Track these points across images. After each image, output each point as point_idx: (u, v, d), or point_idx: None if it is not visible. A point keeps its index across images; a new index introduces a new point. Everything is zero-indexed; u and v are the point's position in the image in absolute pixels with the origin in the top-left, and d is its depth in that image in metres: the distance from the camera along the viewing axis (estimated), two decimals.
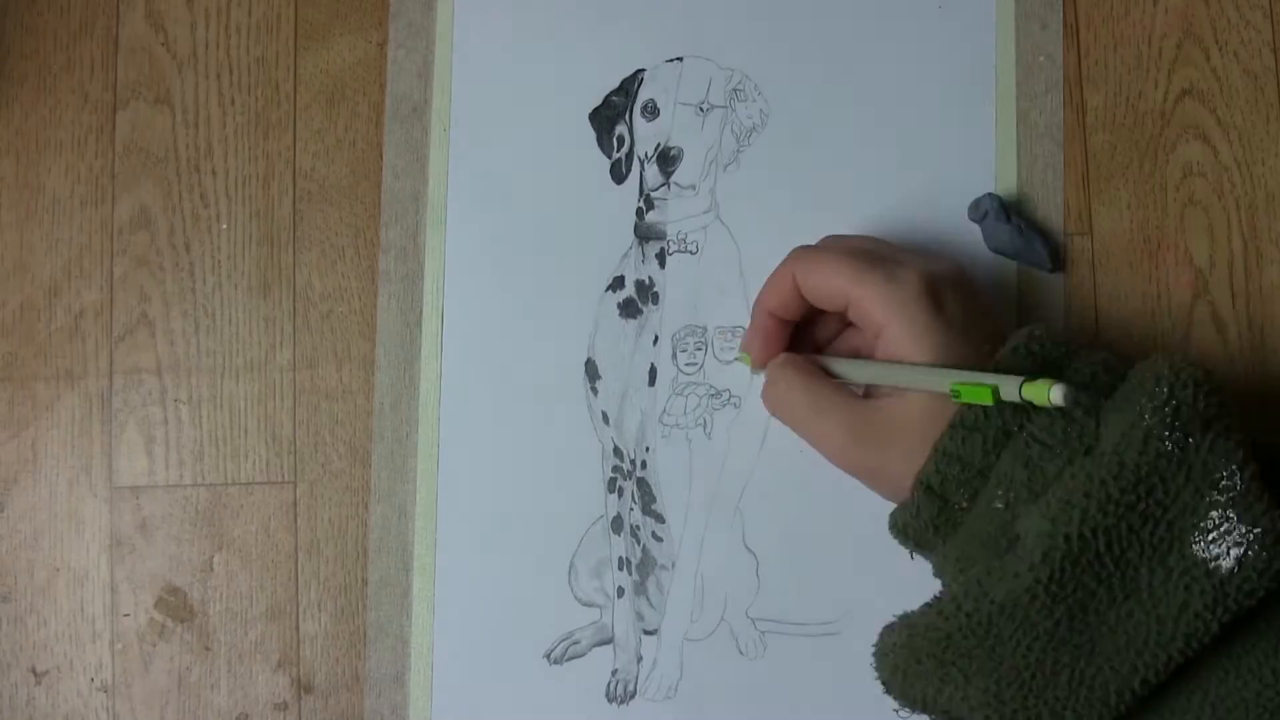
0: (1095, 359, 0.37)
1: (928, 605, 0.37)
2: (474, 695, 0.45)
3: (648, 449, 0.46)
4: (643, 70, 0.48)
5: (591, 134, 0.48)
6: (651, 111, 0.47)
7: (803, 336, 0.44)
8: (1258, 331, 0.45)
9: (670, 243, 0.47)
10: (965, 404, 0.36)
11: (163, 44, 0.49)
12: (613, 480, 0.46)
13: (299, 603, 0.46)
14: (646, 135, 0.47)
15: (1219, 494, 0.33)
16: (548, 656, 0.45)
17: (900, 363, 0.39)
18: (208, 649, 0.46)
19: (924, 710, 0.37)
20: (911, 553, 0.40)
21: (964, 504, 0.37)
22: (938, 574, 0.39)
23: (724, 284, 0.46)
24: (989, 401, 0.36)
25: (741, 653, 0.45)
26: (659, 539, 0.46)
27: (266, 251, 0.48)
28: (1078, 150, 0.47)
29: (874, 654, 0.38)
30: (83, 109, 0.49)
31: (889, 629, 0.38)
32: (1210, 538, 0.33)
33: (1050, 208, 0.46)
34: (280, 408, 0.47)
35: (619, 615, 0.46)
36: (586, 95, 0.48)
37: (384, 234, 0.47)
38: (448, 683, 0.46)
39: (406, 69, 0.48)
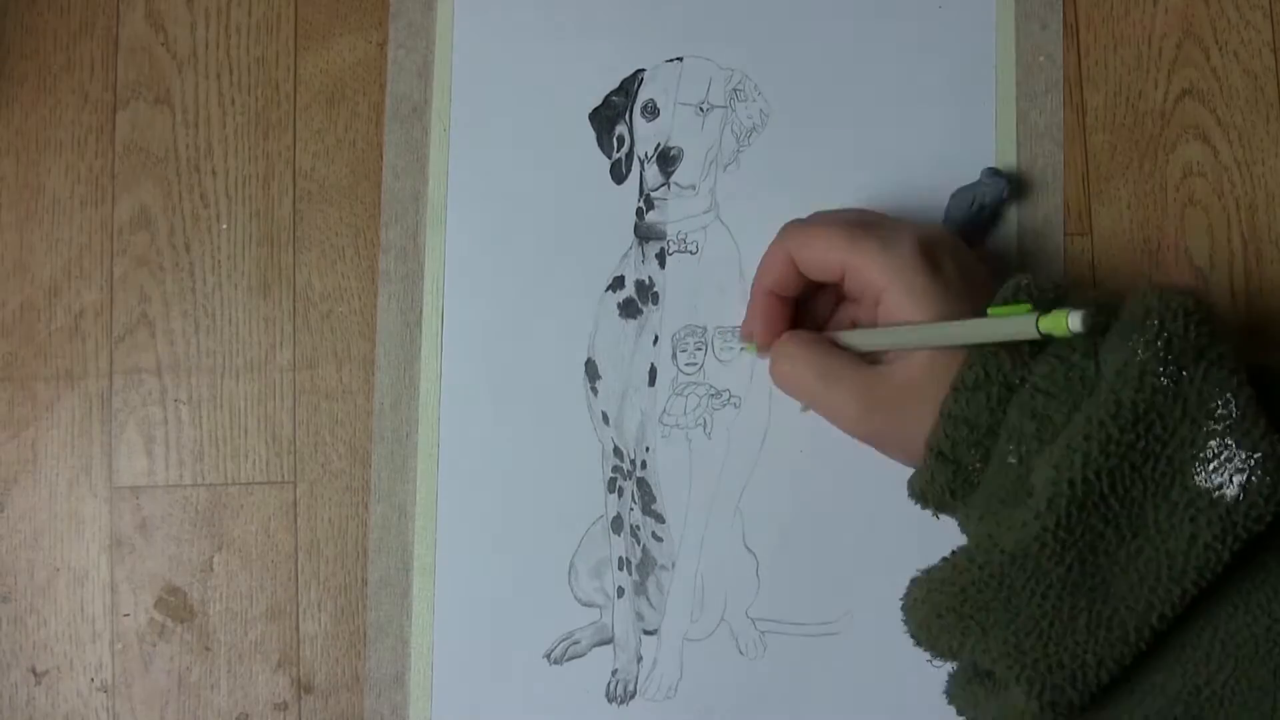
0: (1088, 297, 0.37)
1: (945, 560, 0.37)
2: (474, 695, 0.46)
3: (648, 449, 0.46)
4: (643, 70, 0.48)
5: (591, 134, 0.48)
6: (651, 111, 0.47)
7: (800, 318, 0.44)
8: (1258, 331, 0.45)
9: (670, 243, 0.47)
10: (965, 365, 0.36)
11: (163, 44, 0.49)
12: (613, 480, 0.46)
13: (299, 603, 0.46)
14: (646, 135, 0.47)
15: (1215, 423, 0.33)
16: (548, 656, 0.45)
17: (904, 324, 0.39)
18: (208, 649, 0.46)
19: (955, 660, 0.37)
20: (935, 514, 0.40)
21: (977, 464, 0.37)
22: (963, 531, 0.39)
23: (724, 284, 0.46)
24: (1024, 311, 0.35)
25: (741, 653, 0.45)
26: (659, 539, 0.46)
27: (266, 251, 0.48)
28: (1078, 150, 0.47)
29: (902, 608, 0.38)
30: (83, 109, 0.49)
31: (913, 583, 0.38)
32: (1211, 467, 0.33)
33: (1050, 208, 0.46)
34: (280, 408, 0.47)
35: (619, 615, 0.46)
36: (586, 95, 0.48)
37: (384, 234, 0.47)
38: (448, 683, 0.46)
39: (406, 69, 0.48)
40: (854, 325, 0.43)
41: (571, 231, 0.47)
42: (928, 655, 0.38)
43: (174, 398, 0.47)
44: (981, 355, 0.37)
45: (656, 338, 0.47)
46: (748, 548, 0.46)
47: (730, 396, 0.46)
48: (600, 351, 0.47)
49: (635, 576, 0.46)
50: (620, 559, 0.46)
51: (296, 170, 0.48)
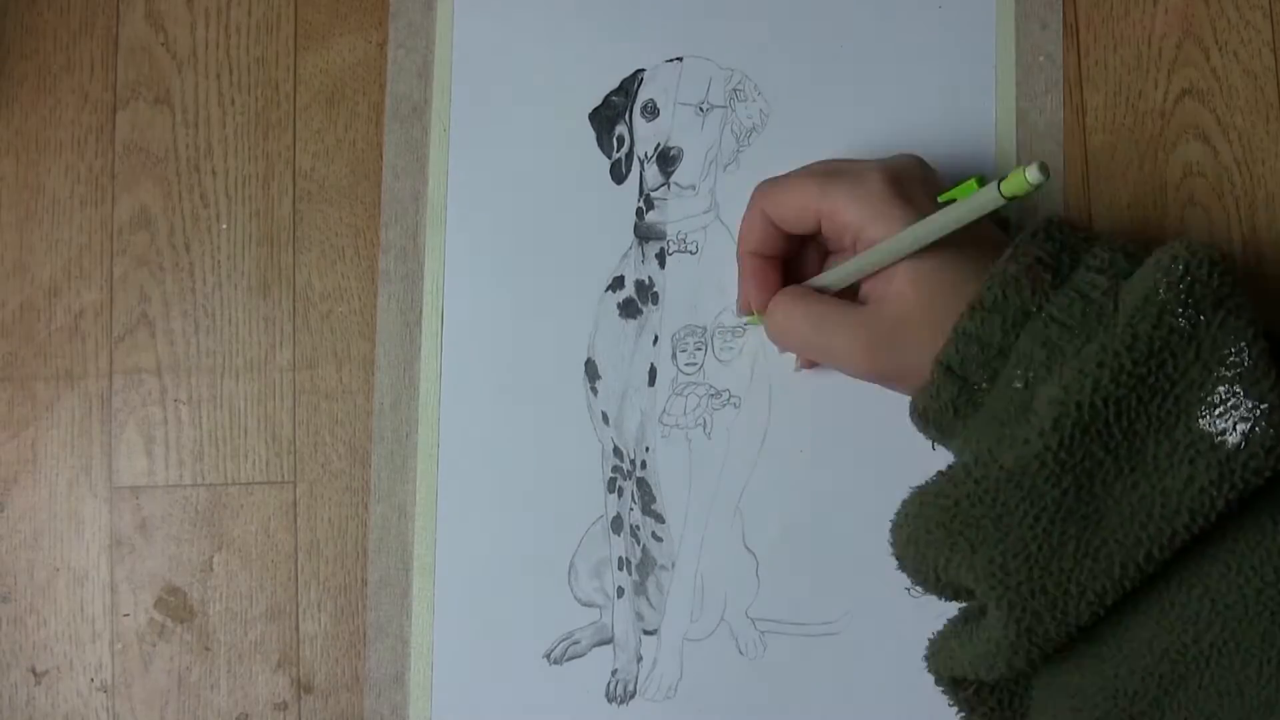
0: (1115, 245, 0.37)
1: (939, 473, 0.37)
2: (474, 695, 0.46)
3: (648, 449, 0.46)
4: (643, 70, 0.48)
5: (591, 134, 0.48)
6: (651, 111, 0.47)
7: (791, 279, 0.44)
8: None
9: (670, 243, 0.47)
10: (984, 286, 0.37)
11: (163, 44, 0.49)
12: (613, 480, 0.46)
13: (299, 603, 0.46)
14: (646, 135, 0.47)
15: (1227, 369, 0.33)
16: (548, 656, 0.45)
17: (882, 242, 0.39)
18: (208, 649, 0.46)
19: (933, 587, 0.37)
20: (934, 443, 0.40)
21: (984, 384, 0.37)
22: (958, 456, 0.38)
23: (724, 284, 0.46)
24: (975, 188, 0.35)
25: (741, 653, 0.45)
26: (659, 539, 0.46)
27: (266, 251, 0.48)
28: (1078, 150, 0.47)
29: (890, 529, 0.38)
30: (83, 109, 0.49)
31: (905, 501, 0.38)
32: (1217, 412, 0.33)
33: (1050, 208, 0.46)
34: (280, 408, 0.47)
35: (619, 615, 0.46)
36: (586, 95, 0.48)
37: (384, 234, 0.47)
38: (448, 683, 0.46)
39: (406, 69, 0.48)
40: None
41: (571, 231, 0.47)
42: (909, 580, 0.38)
43: (174, 398, 0.47)
44: (1001, 278, 0.37)
45: (656, 338, 0.47)
46: (748, 548, 0.46)
47: (730, 396, 0.46)
48: (600, 351, 0.47)
49: (635, 576, 0.46)
50: (620, 559, 0.46)
51: (296, 170, 0.48)
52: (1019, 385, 0.36)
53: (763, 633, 0.45)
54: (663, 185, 0.47)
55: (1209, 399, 0.33)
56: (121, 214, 0.48)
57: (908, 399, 0.40)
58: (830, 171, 0.41)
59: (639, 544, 0.46)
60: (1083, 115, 0.47)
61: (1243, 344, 0.34)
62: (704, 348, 0.46)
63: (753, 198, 0.43)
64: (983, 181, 0.36)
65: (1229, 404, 0.33)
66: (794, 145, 0.47)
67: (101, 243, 0.48)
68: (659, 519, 0.46)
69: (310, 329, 0.47)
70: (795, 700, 0.45)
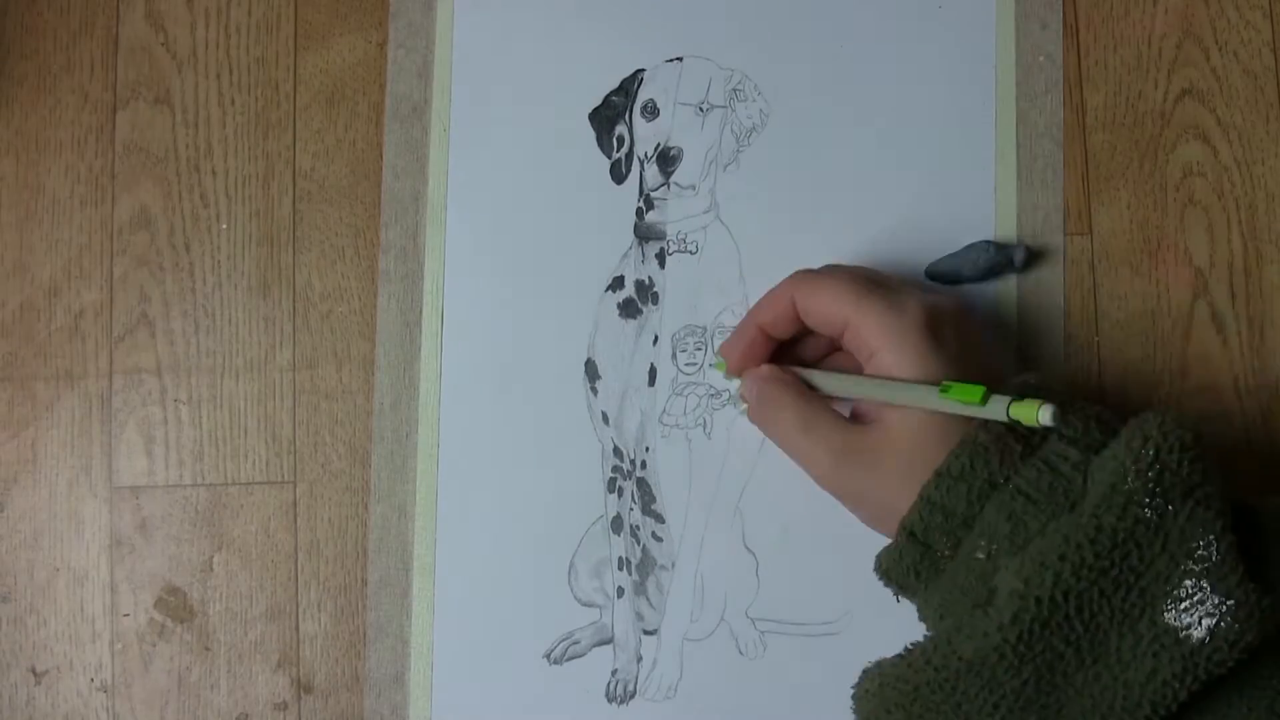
0: (1089, 411, 0.37)
1: (900, 656, 0.37)
2: (474, 695, 0.46)
3: (647, 449, 0.46)
4: (643, 70, 0.48)
5: (591, 134, 0.48)
6: (651, 111, 0.47)
7: (787, 352, 0.43)
8: (1258, 331, 0.45)
9: (670, 243, 0.47)
10: (952, 454, 0.36)
11: (163, 44, 0.49)
12: (613, 480, 0.46)
13: (299, 603, 0.46)
14: (646, 135, 0.47)
15: (1194, 563, 0.33)
16: (548, 656, 0.45)
17: (888, 378, 0.39)
18: (208, 649, 0.46)
19: None
20: (896, 596, 0.40)
21: (947, 551, 0.37)
22: (921, 619, 0.39)
23: (724, 284, 0.46)
24: (977, 400, 0.36)
25: (741, 653, 0.45)
26: (659, 539, 0.46)
27: (266, 251, 0.48)
28: (1078, 150, 0.47)
29: (852, 697, 0.38)
30: (83, 109, 0.49)
31: (866, 673, 0.38)
32: (1183, 607, 0.33)
33: (1050, 208, 0.46)
34: (280, 408, 0.47)
35: (619, 615, 0.46)
36: (586, 95, 0.48)
37: (384, 234, 0.47)
38: (448, 683, 0.46)
39: (406, 69, 0.48)
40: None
41: (571, 231, 0.47)
42: None
43: (174, 398, 0.47)
44: (970, 447, 0.36)
45: (656, 338, 0.47)
46: (748, 548, 0.46)
47: (730, 396, 0.46)
48: (600, 351, 0.47)
49: (635, 576, 0.46)
50: (620, 559, 0.46)
51: (296, 170, 0.48)
52: (981, 556, 0.36)
53: (763, 633, 0.45)
54: (663, 185, 0.47)
55: (1175, 593, 0.33)
56: (121, 214, 0.48)
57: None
58: (870, 283, 0.40)
59: (639, 544, 0.46)
60: (1083, 115, 0.47)
61: (1211, 537, 0.33)
62: (704, 348, 0.46)
63: (787, 280, 0.42)
64: (985, 396, 0.36)
65: (1195, 598, 0.33)
66: (794, 145, 0.47)
67: (101, 243, 0.48)
68: (659, 519, 0.46)
69: (310, 329, 0.47)
70: (795, 700, 0.45)
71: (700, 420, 0.46)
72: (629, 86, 0.48)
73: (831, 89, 0.47)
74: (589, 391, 0.46)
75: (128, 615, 0.47)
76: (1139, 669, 0.33)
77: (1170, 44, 0.47)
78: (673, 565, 0.46)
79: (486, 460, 0.46)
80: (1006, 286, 0.46)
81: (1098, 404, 0.38)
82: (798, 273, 0.42)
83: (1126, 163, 0.47)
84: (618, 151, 0.47)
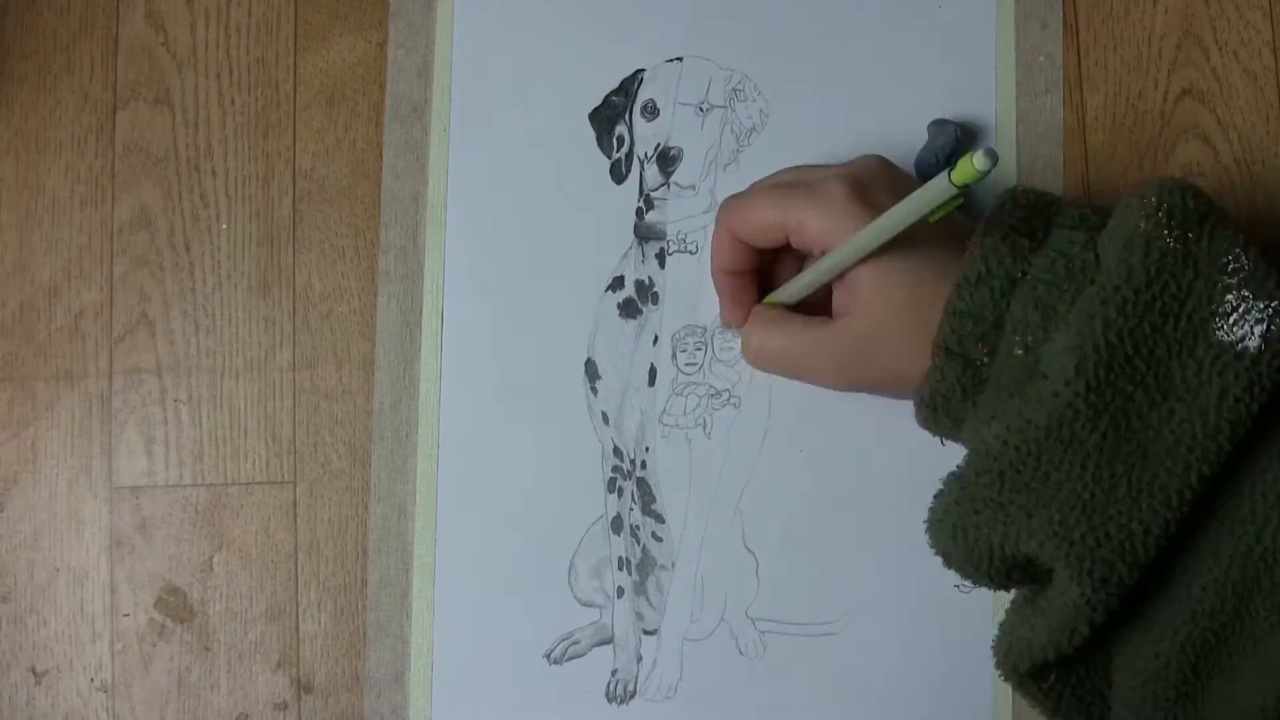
0: (1081, 204, 0.38)
1: (967, 458, 0.36)
2: (474, 695, 0.46)
3: (647, 449, 0.46)
4: (643, 70, 0.48)
5: (591, 134, 0.48)
6: (651, 111, 0.47)
7: (768, 289, 0.44)
8: None
9: (670, 243, 0.47)
10: (966, 260, 0.37)
11: (163, 44, 0.49)
12: (613, 480, 0.46)
13: (299, 603, 0.46)
14: (646, 135, 0.47)
15: (1230, 277, 0.34)
16: (548, 656, 0.45)
17: (839, 245, 0.39)
18: (208, 649, 0.46)
19: (987, 572, 0.37)
20: (943, 439, 0.40)
21: (985, 359, 0.37)
22: (969, 444, 0.38)
23: None
24: (949, 185, 0.35)
25: (741, 653, 0.45)
26: (659, 539, 0.46)
27: (266, 251, 0.48)
28: (1078, 150, 0.47)
29: (927, 529, 0.38)
30: (83, 109, 0.49)
31: (939, 495, 0.37)
32: (1231, 320, 0.34)
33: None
34: (280, 408, 0.47)
35: (619, 615, 0.46)
36: (586, 95, 0.48)
37: (384, 234, 0.47)
38: (448, 683, 0.46)
39: (406, 69, 0.48)
40: None
41: (571, 231, 0.47)
42: (956, 577, 0.38)
43: (174, 398, 0.47)
44: (983, 249, 0.37)
45: (656, 338, 0.47)
46: (748, 548, 0.46)
47: (730, 396, 0.46)
48: (600, 351, 0.47)
49: (635, 576, 0.46)
50: (620, 559, 0.46)
51: (296, 170, 0.48)
52: (1020, 352, 0.36)
53: (763, 633, 0.45)
54: (663, 185, 0.47)
55: (1220, 309, 0.34)
56: (121, 214, 0.48)
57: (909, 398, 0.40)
58: (791, 183, 0.41)
59: (639, 544, 0.46)
60: (1083, 115, 0.47)
61: (1237, 250, 0.34)
62: (704, 348, 0.46)
63: (718, 217, 0.43)
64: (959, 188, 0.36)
65: (1241, 310, 0.34)
66: (794, 145, 0.47)
67: (101, 243, 0.48)
68: (659, 519, 0.46)
69: (310, 329, 0.47)
70: (795, 700, 0.45)
71: (700, 420, 0.46)
72: (629, 86, 0.48)
73: (831, 89, 0.47)
74: (589, 391, 0.46)
75: (128, 615, 0.47)
76: (1208, 393, 0.34)
77: (1170, 44, 0.47)
78: (673, 565, 0.46)
79: (486, 460, 0.46)
80: None
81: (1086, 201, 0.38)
82: (723, 202, 0.43)
83: (1126, 163, 0.47)
84: (618, 151, 0.47)
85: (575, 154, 0.47)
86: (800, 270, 0.43)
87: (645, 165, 0.47)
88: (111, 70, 0.49)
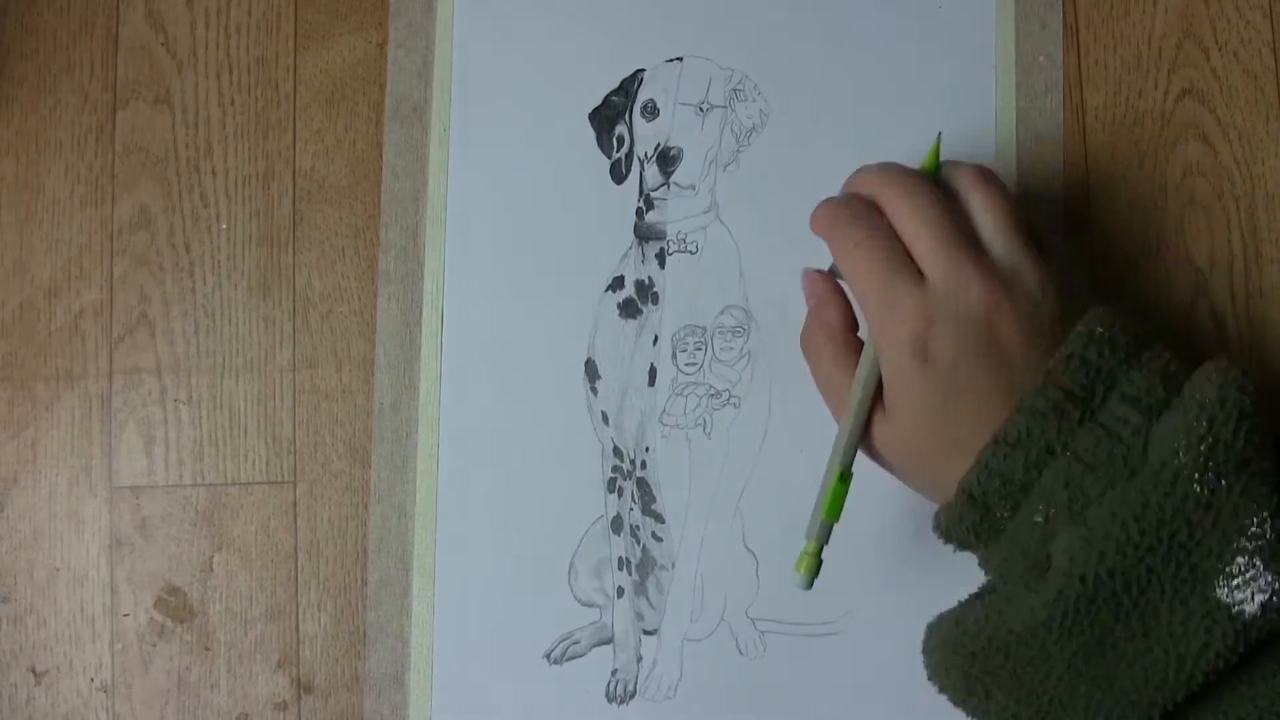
0: (1155, 366, 0.36)
1: (958, 613, 0.37)
2: (474, 695, 0.45)
3: (647, 449, 0.46)
4: (643, 70, 0.48)
5: (591, 134, 0.48)
6: (651, 111, 0.47)
7: None
8: (1258, 331, 0.45)
9: (670, 243, 0.47)
10: (1009, 420, 0.36)
11: (163, 44, 0.49)
12: (612, 480, 0.46)
13: (299, 603, 0.46)
14: (646, 135, 0.47)
15: (1247, 540, 0.33)
16: (548, 656, 0.45)
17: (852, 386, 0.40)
18: (208, 649, 0.46)
19: (966, 711, 0.38)
20: (955, 550, 0.40)
21: (1005, 514, 0.37)
22: (982, 567, 0.39)
23: (724, 284, 0.46)
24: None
25: (741, 653, 0.45)
26: (659, 539, 0.46)
27: (266, 251, 0.48)
28: (1078, 150, 0.47)
29: (922, 650, 0.38)
30: (83, 109, 0.49)
31: (931, 628, 0.38)
32: (1235, 583, 0.33)
33: (1050, 208, 0.46)
34: (280, 408, 0.47)
35: (619, 615, 0.46)
36: (586, 95, 0.48)
37: (384, 234, 0.47)
38: (448, 683, 0.46)
39: (406, 69, 0.48)
40: None
41: (571, 231, 0.47)
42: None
43: (174, 398, 0.47)
44: (1028, 413, 0.36)
45: (656, 338, 0.47)
46: (748, 548, 0.46)
47: (730, 396, 0.46)
48: (600, 351, 0.47)
49: (635, 576, 0.46)
50: (620, 559, 0.46)
51: (296, 170, 0.48)
52: (1039, 520, 0.36)
53: (763, 633, 0.45)
54: (663, 185, 0.47)
55: (1227, 570, 0.33)
56: (121, 214, 0.48)
57: None
58: (880, 273, 0.40)
59: (639, 544, 0.46)
60: (1083, 115, 0.47)
61: (1265, 514, 0.33)
62: (704, 348, 0.46)
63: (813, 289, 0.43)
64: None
65: (1248, 575, 0.33)
66: (794, 145, 0.47)
67: (101, 243, 0.48)
68: (659, 519, 0.46)
69: (310, 329, 0.47)
70: (795, 700, 0.45)
71: (700, 420, 0.46)
72: (629, 86, 0.48)
73: (831, 89, 0.47)
74: (589, 391, 0.46)
75: (128, 615, 0.47)
76: (1191, 642, 0.34)
77: (1170, 44, 0.47)
78: (673, 565, 0.46)
79: (486, 460, 0.46)
80: None
81: (1169, 349, 0.37)
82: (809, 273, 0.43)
83: (1126, 163, 0.47)
84: (618, 151, 0.47)
85: (575, 154, 0.47)
86: None
87: (645, 165, 0.47)
88: (111, 70, 0.49)
